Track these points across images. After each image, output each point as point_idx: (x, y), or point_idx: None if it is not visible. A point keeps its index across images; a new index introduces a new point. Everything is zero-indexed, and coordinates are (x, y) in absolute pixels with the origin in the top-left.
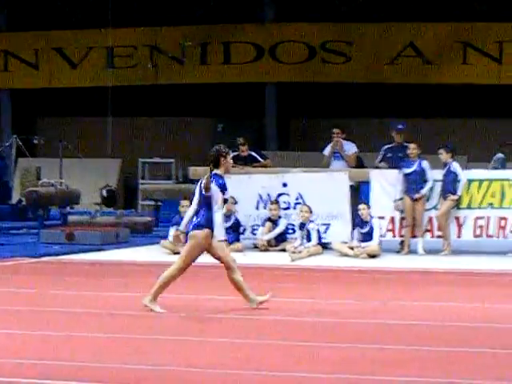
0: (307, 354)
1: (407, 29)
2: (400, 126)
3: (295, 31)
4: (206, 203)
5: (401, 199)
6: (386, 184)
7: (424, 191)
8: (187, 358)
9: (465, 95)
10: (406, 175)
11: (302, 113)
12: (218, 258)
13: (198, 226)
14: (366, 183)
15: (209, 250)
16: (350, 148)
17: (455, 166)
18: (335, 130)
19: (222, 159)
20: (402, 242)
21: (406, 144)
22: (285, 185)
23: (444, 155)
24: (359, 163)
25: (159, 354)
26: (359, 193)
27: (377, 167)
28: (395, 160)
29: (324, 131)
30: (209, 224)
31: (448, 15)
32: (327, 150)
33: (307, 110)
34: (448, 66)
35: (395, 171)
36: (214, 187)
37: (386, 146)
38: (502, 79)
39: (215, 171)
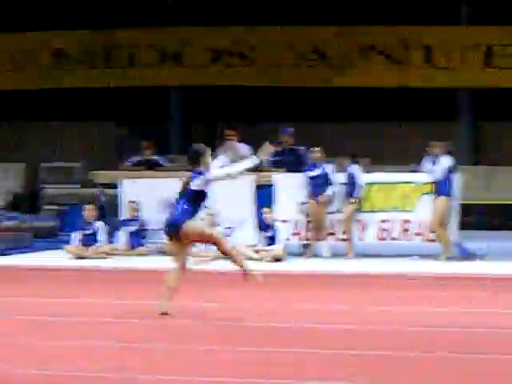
0: (203, 357)
1: (310, 32)
2: (288, 130)
3: (199, 35)
4: (190, 198)
5: (305, 203)
6: (289, 187)
7: (328, 194)
8: (74, 361)
9: (368, 98)
10: (311, 179)
11: (207, 116)
12: (178, 254)
13: (183, 222)
14: (267, 186)
15: (180, 240)
16: (244, 150)
17: (354, 170)
18: (228, 132)
19: (202, 158)
20: (306, 246)
21: (295, 147)
22: None
23: (344, 159)
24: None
25: (46, 358)
26: (259, 196)
27: (269, 171)
28: (284, 163)
29: None
30: (192, 218)
31: (351, 18)
32: (220, 153)
33: (212, 114)
34: (351, 69)
35: (299, 175)
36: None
37: (274, 150)
38: (406, 82)
39: (197, 170)
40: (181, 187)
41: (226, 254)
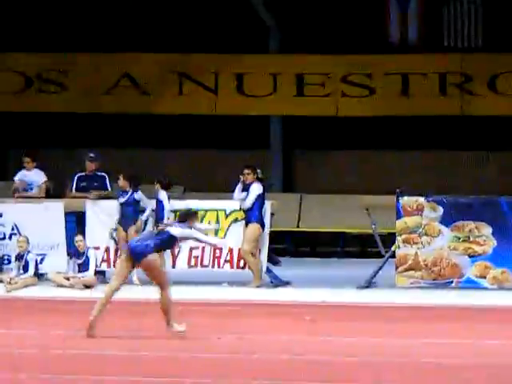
0: None
1: (122, 59)
2: (92, 155)
3: (11, 60)
4: (163, 239)
5: (115, 229)
6: (100, 214)
7: (139, 221)
8: None
9: (182, 125)
10: (121, 205)
11: (20, 142)
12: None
13: (149, 253)
14: (79, 213)
15: (134, 266)
16: (39, 177)
17: (162, 196)
18: (26, 159)
19: (192, 218)
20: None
21: (98, 173)
22: (0, 215)
23: (156, 185)
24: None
25: None
26: (70, 222)
27: (74, 197)
28: (89, 189)
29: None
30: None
31: (163, 46)
32: (16, 178)
33: (25, 140)
34: (165, 96)
35: (110, 201)
36: None
37: (79, 175)
38: (217, 110)
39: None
40: (159, 228)
41: (163, 299)
